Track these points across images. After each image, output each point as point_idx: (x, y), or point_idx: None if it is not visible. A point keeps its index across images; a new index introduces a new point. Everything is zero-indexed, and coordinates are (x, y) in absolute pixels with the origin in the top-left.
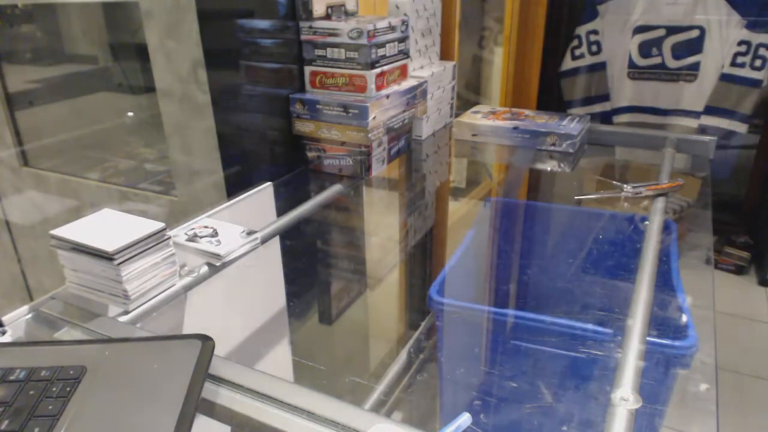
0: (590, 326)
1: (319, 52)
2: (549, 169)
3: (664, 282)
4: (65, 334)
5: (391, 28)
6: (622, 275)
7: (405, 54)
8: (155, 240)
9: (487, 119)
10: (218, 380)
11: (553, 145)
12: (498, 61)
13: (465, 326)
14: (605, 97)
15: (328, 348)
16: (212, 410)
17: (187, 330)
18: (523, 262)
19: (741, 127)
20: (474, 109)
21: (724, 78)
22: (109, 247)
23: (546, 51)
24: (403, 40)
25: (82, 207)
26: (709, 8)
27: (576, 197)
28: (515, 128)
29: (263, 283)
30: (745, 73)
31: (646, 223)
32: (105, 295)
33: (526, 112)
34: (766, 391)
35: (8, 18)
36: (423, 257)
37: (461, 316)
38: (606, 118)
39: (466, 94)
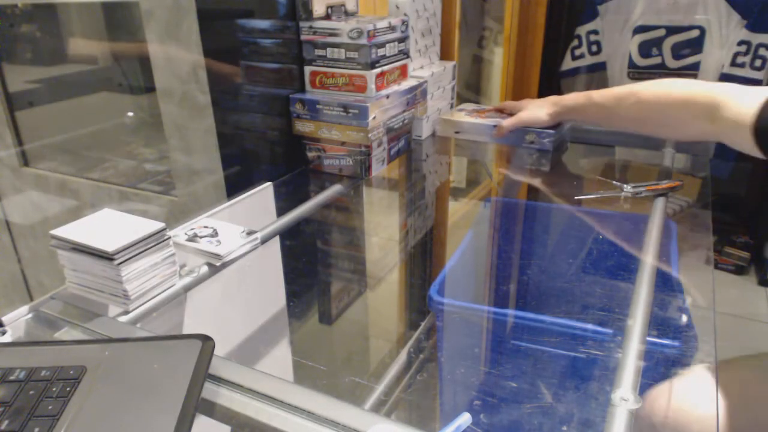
0: (590, 326)
1: (319, 52)
2: (527, 166)
3: (664, 282)
4: (65, 334)
5: (391, 28)
6: (622, 275)
7: (405, 54)
8: (155, 240)
9: (470, 117)
10: (218, 380)
11: (532, 142)
12: (498, 61)
13: (465, 326)
14: None
15: (328, 348)
16: (212, 410)
17: (187, 330)
18: (523, 262)
19: None
20: (460, 106)
21: (724, 78)
22: (109, 247)
23: (546, 51)
24: (403, 40)
25: (82, 207)
26: (709, 8)
27: (576, 197)
28: (495, 126)
29: (263, 283)
30: (745, 73)
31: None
32: (105, 295)
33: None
34: None
35: (8, 18)
36: (423, 257)
37: (461, 316)
38: None
39: (466, 94)
